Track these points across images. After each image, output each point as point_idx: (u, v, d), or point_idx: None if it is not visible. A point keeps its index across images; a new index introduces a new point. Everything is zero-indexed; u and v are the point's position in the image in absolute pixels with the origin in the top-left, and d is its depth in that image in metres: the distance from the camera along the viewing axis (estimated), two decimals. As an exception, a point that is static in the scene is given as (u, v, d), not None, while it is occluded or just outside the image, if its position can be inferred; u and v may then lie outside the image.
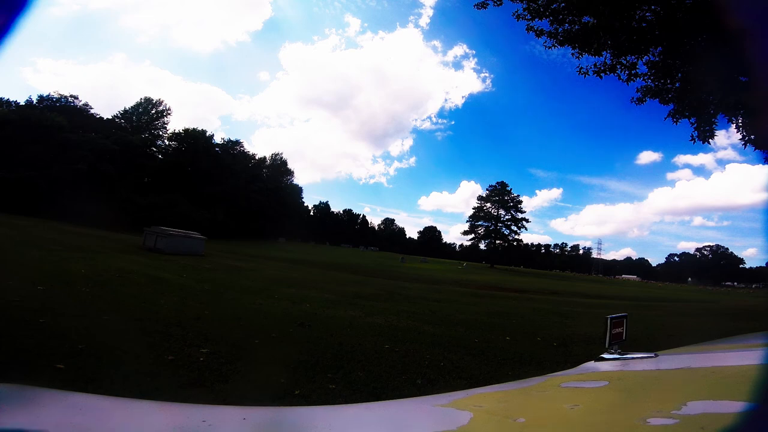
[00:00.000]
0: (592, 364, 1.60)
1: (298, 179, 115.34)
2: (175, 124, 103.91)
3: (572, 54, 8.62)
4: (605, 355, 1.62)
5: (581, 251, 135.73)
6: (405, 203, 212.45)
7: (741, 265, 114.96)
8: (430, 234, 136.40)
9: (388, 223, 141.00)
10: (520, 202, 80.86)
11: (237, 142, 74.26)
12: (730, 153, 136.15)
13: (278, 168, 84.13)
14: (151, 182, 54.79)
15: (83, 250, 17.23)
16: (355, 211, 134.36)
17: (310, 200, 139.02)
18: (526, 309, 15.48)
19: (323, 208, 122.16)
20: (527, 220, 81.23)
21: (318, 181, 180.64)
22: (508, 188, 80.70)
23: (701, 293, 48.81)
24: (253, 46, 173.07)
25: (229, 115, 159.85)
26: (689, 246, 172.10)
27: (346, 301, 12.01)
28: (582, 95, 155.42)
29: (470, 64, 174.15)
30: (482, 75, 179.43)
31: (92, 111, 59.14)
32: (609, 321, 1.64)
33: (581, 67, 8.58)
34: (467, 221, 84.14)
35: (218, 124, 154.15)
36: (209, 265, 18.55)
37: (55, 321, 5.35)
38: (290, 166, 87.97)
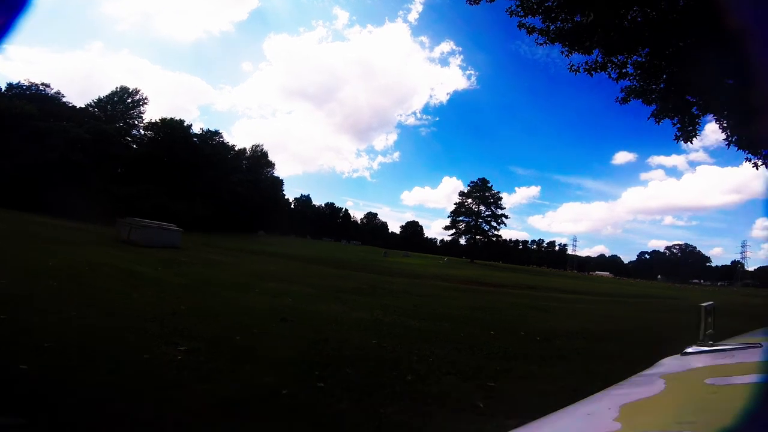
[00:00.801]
0: (686, 358, 1.38)
1: (279, 171, 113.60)
2: (153, 113, 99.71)
3: (562, 52, 8.58)
4: (695, 348, 1.41)
5: (557, 248, 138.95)
6: (388, 198, 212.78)
7: (708, 264, 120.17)
8: (412, 229, 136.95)
9: (371, 217, 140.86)
10: (500, 198, 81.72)
11: (216, 133, 72.23)
12: (701, 155, 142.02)
13: (258, 160, 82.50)
14: (125, 172, 52.74)
15: (53, 241, 16.40)
16: (338, 204, 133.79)
17: (291, 193, 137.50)
18: (506, 304, 15.64)
19: (305, 201, 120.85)
20: (507, 216, 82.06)
21: (299, 173, 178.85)
22: (489, 185, 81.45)
23: (670, 290, 50.67)
24: (237, 36, 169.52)
25: (209, 105, 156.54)
26: (659, 244, 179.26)
27: (329, 295, 11.82)
28: (563, 96, 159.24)
29: (456, 61, 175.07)
30: (468, 72, 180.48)
31: (64, 99, 56.56)
32: (703, 310, 1.43)
33: (572, 65, 8.53)
34: (449, 216, 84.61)
35: (197, 114, 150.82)
36: (186, 258, 17.97)
37: (19, 317, 4.95)
38: (271, 158, 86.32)
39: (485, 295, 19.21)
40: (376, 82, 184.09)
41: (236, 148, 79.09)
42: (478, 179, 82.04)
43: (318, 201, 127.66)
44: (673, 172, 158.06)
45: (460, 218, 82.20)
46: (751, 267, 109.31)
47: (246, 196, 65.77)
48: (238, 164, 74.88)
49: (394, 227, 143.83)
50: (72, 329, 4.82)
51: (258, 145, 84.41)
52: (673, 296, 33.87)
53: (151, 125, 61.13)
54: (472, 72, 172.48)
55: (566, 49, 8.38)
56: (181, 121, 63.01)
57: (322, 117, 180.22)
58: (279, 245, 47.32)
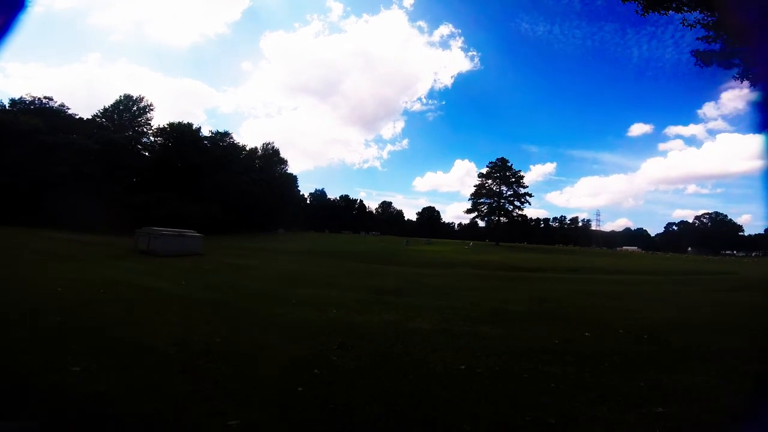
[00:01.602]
0: None
1: (292, 168, 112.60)
2: (160, 120, 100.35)
3: (636, 11, 8.88)
4: None
5: (580, 224, 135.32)
6: (400, 185, 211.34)
7: (740, 233, 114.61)
8: (429, 214, 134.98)
9: (386, 206, 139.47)
10: (522, 177, 78.22)
11: (226, 134, 71.07)
12: (720, 123, 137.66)
13: (271, 158, 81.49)
14: (139, 181, 52.10)
15: (67, 258, 15.34)
16: (352, 196, 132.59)
17: (305, 188, 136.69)
18: (565, 292, 13.99)
19: (319, 195, 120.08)
20: (530, 195, 78.64)
21: (311, 168, 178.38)
22: (509, 164, 78.00)
23: (712, 263, 47.80)
24: (233, 37, 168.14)
25: (215, 108, 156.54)
26: (685, 214, 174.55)
27: (372, 300, 10.36)
28: (569, 71, 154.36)
29: (457, 43, 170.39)
30: (470, 54, 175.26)
31: (70, 111, 55.93)
32: None
33: (685, 20, 8.57)
34: (469, 199, 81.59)
35: (204, 118, 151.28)
36: (209, 266, 16.73)
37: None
38: (283, 155, 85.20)
39: (534, 282, 17.53)
40: (378, 71, 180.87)
41: (247, 148, 78.18)
42: (497, 159, 79.04)
43: (332, 194, 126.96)
44: (693, 141, 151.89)
45: (482, 200, 79.64)
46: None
47: (260, 195, 64.91)
48: (250, 164, 73.90)
49: (410, 214, 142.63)
50: (70, 396, 3.36)
51: (269, 143, 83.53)
52: (723, 270, 31.58)
53: (160, 131, 60.44)
54: (475, 53, 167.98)
55: (641, 6, 8.71)
56: (190, 125, 62.15)
57: (328, 110, 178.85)
58: (300, 242, 46.24)
